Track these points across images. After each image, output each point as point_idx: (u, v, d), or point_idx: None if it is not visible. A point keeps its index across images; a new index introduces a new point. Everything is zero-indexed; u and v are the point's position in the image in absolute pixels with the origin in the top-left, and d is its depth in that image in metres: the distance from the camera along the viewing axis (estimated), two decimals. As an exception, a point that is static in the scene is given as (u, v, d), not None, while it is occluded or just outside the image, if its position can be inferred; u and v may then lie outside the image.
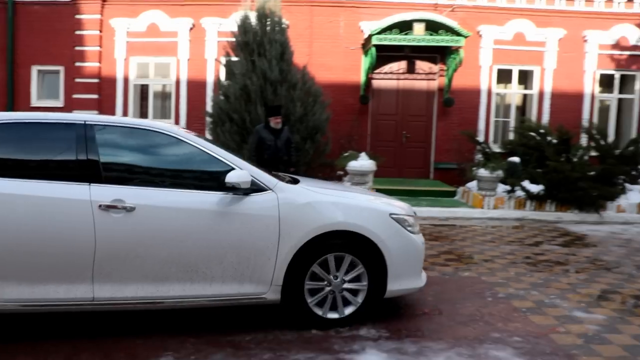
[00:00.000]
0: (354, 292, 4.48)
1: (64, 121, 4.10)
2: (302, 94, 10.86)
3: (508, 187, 11.30)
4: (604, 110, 14.40)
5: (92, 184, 3.90)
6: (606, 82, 14.30)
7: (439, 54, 13.44)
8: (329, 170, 11.56)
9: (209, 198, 4.11)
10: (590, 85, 13.92)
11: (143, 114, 13.72)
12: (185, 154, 4.26)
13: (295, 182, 4.76)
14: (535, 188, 11.09)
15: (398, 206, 4.83)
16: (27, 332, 4.16)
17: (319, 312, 4.36)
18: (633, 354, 4.08)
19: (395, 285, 4.52)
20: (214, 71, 13.19)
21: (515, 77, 14.00)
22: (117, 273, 3.90)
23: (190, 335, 4.13)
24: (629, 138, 13.58)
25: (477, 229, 9.54)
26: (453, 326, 4.55)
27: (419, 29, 12.15)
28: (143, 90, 13.81)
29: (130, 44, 13.30)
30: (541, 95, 13.90)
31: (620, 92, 14.36)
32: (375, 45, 12.16)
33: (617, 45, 13.95)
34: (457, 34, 12.16)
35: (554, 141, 11.72)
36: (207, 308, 4.36)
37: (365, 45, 13.02)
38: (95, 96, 13.27)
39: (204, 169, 4.30)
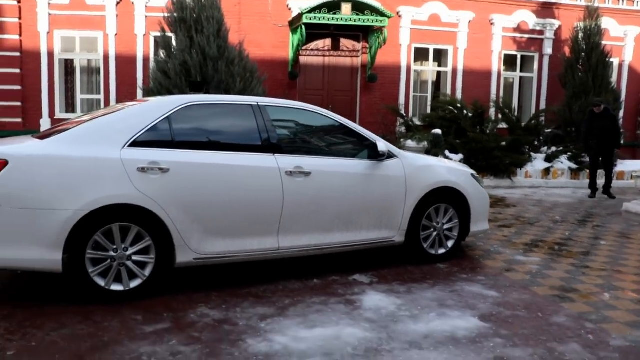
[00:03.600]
0: (447, 237, 5.72)
1: (242, 102, 4.94)
2: (240, 69, 11.21)
3: (432, 157, 12.32)
4: (508, 87, 15.94)
5: (275, 154, 4.73)
6: (510, 62, 15.82)
7: (362, 33, 14.22)
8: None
9: (360, 164, 5.18)
10: (496, 64, 15.35)
11: (69, 89, 13.47)
12: (337, 129, 5.38)
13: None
14: (456, 157, 12.20)
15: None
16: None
17: (432, 251, 5.61)
18: (568, 283, 5.12)
19: (475, 227, 5.87)
20: (143, 47, 13.18)
21: (431, 55, 15.13)
22: (296, 226, 4.81)
23: (211, 290, 4.57)
24: (529, 112, 15.21)
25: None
26: (425, 272, 5.33)
27: (346, 9, 12.86)
28: (68, 65, 13.51)
29: (53, 17, 12.93)
30: (454, 72, 15.14)
31: (521, 70, 15.92)
32: (305, 24, 12.70)
33: (518, 29, 15.42)
34: (382, 14, 12.97)
35: (470, 115, 12.90)
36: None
37: (294, 23, 13.51)
38: (17, 70, 12.85)
39: (352, 141, 5.36)
